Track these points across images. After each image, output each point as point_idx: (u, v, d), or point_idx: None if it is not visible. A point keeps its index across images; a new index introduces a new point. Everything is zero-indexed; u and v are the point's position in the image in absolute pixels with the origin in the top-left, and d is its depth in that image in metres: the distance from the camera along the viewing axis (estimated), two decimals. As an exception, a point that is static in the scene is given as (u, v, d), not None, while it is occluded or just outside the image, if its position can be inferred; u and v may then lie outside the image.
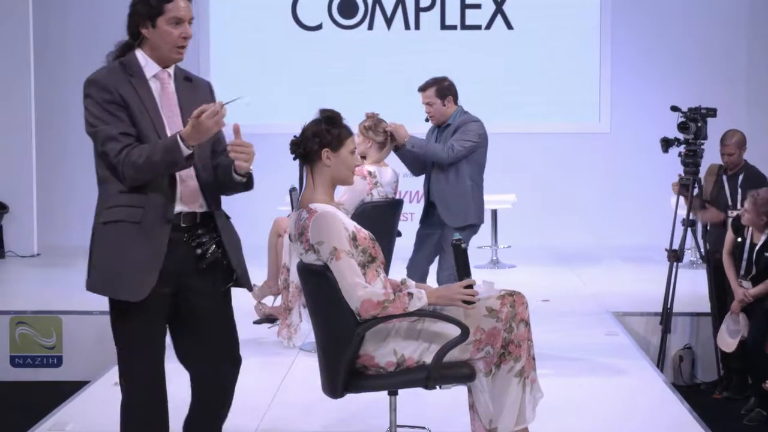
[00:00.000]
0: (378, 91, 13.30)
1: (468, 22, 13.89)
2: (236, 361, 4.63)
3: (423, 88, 7.69)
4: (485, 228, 11.82)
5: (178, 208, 4.34)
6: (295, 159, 4.69)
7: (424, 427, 5.39)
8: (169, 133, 4.32)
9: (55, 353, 8.90)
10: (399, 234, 7.90)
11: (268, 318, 7.96)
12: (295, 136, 4.65)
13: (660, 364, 8.23)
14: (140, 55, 4.41)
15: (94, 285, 4.31)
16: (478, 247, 11.97)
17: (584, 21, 13.72)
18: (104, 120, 4.25)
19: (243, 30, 13.81)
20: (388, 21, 13.90)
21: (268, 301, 8.03)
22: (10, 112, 12.60)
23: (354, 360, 4.58)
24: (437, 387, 4.67)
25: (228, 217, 4.57)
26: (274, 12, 13.91)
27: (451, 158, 7.46)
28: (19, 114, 12.60)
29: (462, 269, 4.68)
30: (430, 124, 7.84)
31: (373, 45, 13.83)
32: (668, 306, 8.37)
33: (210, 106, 4.19)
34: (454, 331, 4.51)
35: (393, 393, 4.80)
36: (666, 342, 8.38)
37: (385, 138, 7.59)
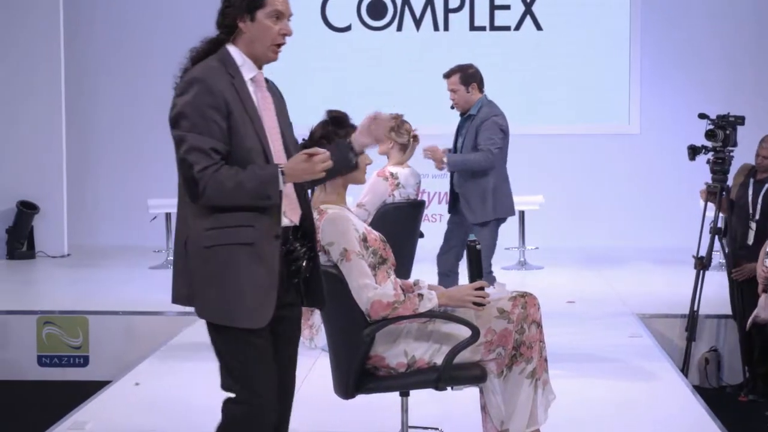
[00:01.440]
0: (406, 92, 13.29)
1: (497, 23, 13.86)
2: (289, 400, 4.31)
3: (447, 75, 7.79)
4: (512, 229, 11.86)
5: (284, 221, 4.02)
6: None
7: (437, 428, 5.39)
8: (272, 146, 4.02)
9: (81, 353, 8.94)
10: (421, 235, 7.90)
11: (294, 319, 7.95)
12: (303, 139, 4.66)
13: (685, 369, 8.18)
14: (235, 52, 4.03)
15: (206, 313, 3.97)
16: (505, 249, 11.93)
17: (614, 21, 13.65)
18: (198, 127, 3.86)
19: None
20: (417, 22, 13.89)
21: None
22: (40, 112, 12.68)
23: (365, 361, 4.59)
24: (449, 388, 4.68)
25: None
26: (303, 13, 13.89)
27: (492, 163, 7.54)
28: (49, 114, 12.68)
29: (474, 270, 4.69)
30: (457, 120, 7.86)
31: (402, 46, 13.81)
32: (694, 313, 8.32)
33: (321, 150, 3.94)
34: (465, 332, 4.52)
35: (405, 394, 4.80)
36: (690, 349, 8.33)
37: (408, 139, 7.59)
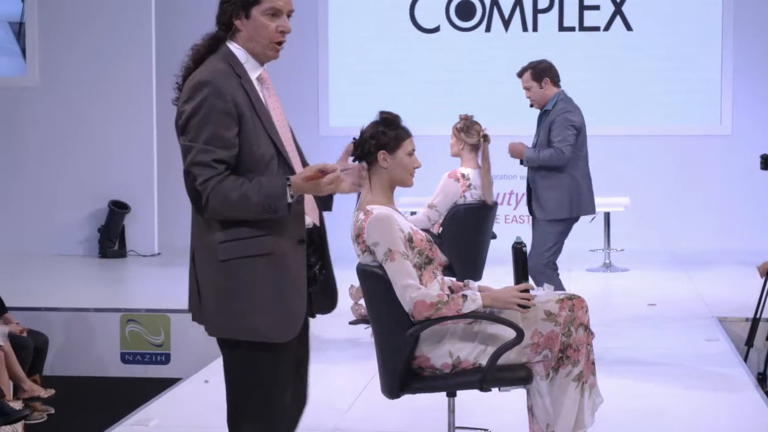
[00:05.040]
0: (495, 93, 13.23)
1: (586, 24, 13.76)
2: (304, 402, 4.16)
3: (520, 74, 7.74)
4: (598, 231, 11.78)
5: (306, 221, 3.87)
6: (354, 161, 4.72)
7: (486, 429, 5.38)
8: (286, 148, 3.85)
9: (163, 351, 9.07)
10: (494, 236, 7.88)
11: (364, 319, 7.98)
12: (354, 138, 4.69)
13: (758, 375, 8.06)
14: (237, 49, 3.86)
15: (231, 330, 3.79)
16: (590, 250, 11.88)
17: (705, 20, 13.46)
18: (205, 136, 3.69)
19: (361, 32, 13.91)
20: (506, 23, 13.84)
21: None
22: (132, 113, 12.90)
23: (410, 361, 4.61)
24: (497, 389, 4.68)
25: None
26: (392, 14, 13.97)
27: (564, 160, 7.39)
28: (140, 116, 12.90)
29: (520, 273, 4.67)
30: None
31: (491, 47, 13.76)
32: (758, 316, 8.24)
33: (331, 167, 3.70)
34: (511, 333, 4.50)
35: (451, 394, 4.81)
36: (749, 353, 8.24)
37: (478, 140, 7.58)
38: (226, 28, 3.88)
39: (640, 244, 12.75)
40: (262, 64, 3.91)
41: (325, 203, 4.08)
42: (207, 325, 3.86)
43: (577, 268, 11.56)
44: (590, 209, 7.64)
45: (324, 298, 4.04)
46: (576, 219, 7.60)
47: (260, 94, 3.86)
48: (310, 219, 3.90)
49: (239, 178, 3.70)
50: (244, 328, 3.77)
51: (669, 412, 6.32)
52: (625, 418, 5.98)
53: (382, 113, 4.75)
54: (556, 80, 7.65)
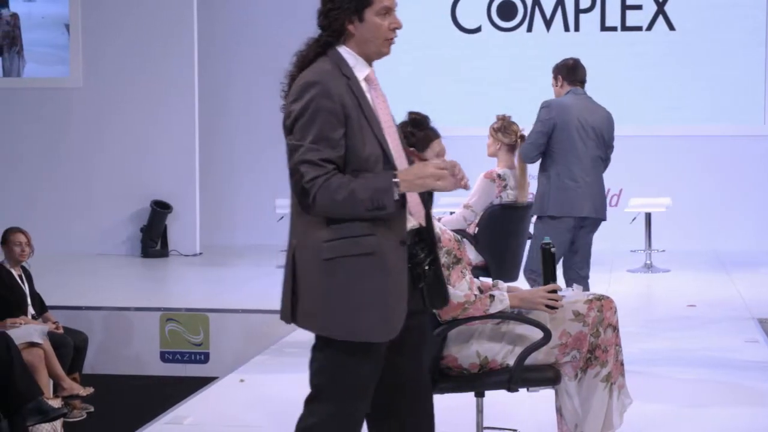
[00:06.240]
0: (537, 93, 13.13)
1: (629, 23, 13.70)
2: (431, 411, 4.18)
3: None
4: (638, 231, 11.73)
5: (411, 222, 3.85)
6: None
7: (515, 430, 5.37)
8: (391, 147, 3.82)
9: (202, 350, 9.12)
10: (530, 236, 7.85)
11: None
12: None
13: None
14: (346, 52, 3.84)
15: (331, 328, 3.76)
16: (632, 251, 11.83)
17: (749, 19, 13.36)
18: (312, 135, 3.66)
19: (402, 32, 13.75)
20: (548, 23, 13.80)
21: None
22: (174, 115, 12.97)
23: (438, 361, 4.61)
24: (525, 389, 4.67)
25: None
26: (434, 14, 13.96)
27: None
28: (182, 115, 12.97)
29: (548, 273, 4.66)
30: None
31: (532, 47, 13.72)
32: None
33: (443, 164, 3.71)
34: (539, 334, 4.50)
35: (479, 395, 4.80)
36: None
37: (515, 140, 7.55)
38: (336, 34, 3.84)
39: (681, 244, 12.66)
40: (370, 63, 3.91)
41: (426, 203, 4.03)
42: (303, 323, 3.82)
43: (618, 269, 11.52)
44: (576, 210, 7.39)
45: (436, 293, 3.99)
46: (562, 218, 7.41)
47: (367, 95, 3.84)
48: (416, 220, 3.87)
49: (345, 176, 3.68)
50: (344, 328, 3.74)
51: (704, 414, 6.27)
52: (658, 419, 5.94)
53: (410, 114, 4.76)
54: (571, 78, 7.58)
